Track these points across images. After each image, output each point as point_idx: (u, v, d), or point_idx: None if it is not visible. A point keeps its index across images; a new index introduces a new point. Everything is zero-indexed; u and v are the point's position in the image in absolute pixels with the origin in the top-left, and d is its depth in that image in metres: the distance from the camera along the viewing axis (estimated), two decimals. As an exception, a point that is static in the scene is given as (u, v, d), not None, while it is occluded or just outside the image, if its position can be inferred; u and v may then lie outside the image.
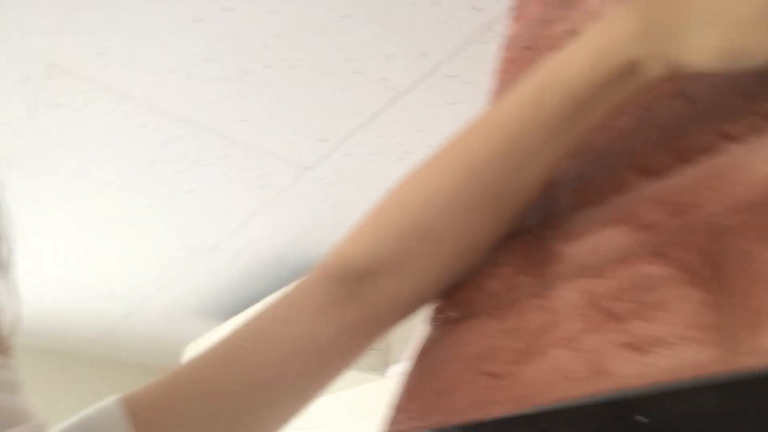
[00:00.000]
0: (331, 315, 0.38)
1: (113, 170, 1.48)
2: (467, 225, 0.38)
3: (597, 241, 0.39)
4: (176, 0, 1.02)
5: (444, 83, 1.18)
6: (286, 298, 0.40)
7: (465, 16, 1.04)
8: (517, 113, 0.35)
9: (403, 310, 0.43)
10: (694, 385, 0.26)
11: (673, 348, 0.28)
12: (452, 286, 0.53)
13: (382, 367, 1.79)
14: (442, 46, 1.09)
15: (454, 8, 1.02)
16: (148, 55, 1.12)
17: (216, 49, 1.11)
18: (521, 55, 0.70)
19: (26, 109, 1.27)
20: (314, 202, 1.61)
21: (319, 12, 1.03)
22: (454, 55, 1.12)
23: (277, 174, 1.49)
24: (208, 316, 2.42)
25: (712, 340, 0.26)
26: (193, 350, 2.40)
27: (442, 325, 0.49)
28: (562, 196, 0.45)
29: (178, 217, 1.70)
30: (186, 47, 1.11)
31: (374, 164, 1.44)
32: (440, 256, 0.40)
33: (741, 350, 0.24)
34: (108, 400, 0.35)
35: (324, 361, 0.39)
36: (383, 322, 0.41)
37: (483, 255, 0.41)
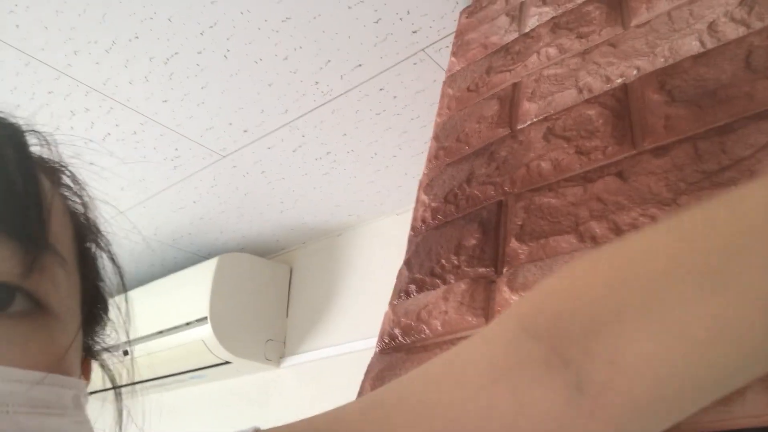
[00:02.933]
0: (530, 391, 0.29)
1: (6, 132, 1.36)
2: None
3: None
4: (111, -29, 0.97)
5: (374, 94, 1.22)
6: (467, 356, 0.32)
7: (403, 37, 1.08)
8: None
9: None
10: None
11: None
12: (402, 313, 0.58)
13: (277, 358, 1.81)
14: (377, 61, 1.13)
15: (395, 28, 1.06)
16: (67, 22, 1.05)
17: (148, 28, 1.07)
18: (464, 96, 0.76)
19: None
20: (224, 189, 1.59)
21: (262, 9, 1.03)
22: (386, 70, 1.16)
23: (190, 157, 1.45)
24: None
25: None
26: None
27: (392, 353, 0.54)
28: (512, 246, 0.52)
29: (72, 187, 1.59)
30: (116, 20, 1.05)
31: (294, 160, 1.45)
32: None
33: None
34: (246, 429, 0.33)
35: None
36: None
37: None
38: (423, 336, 0.54)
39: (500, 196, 0.58)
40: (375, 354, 0.57)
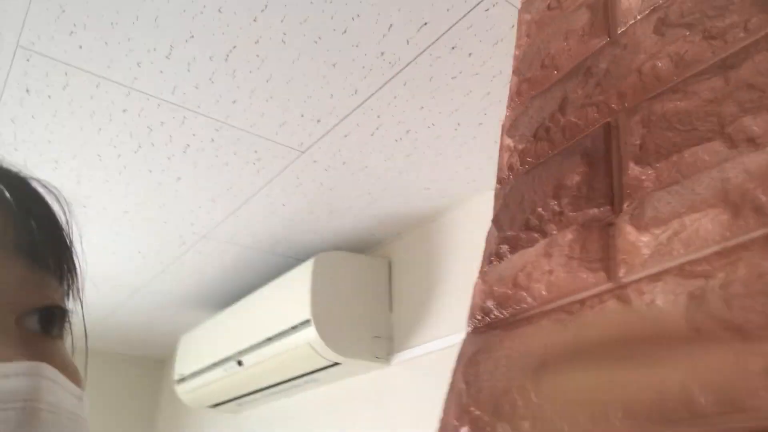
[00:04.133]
0: None
1: (97, 157, 1.40)
2: None
3: (683, 227, 0.33)
4: (156, -30, 0.94)
5: (446, 55, 1.11)
6: None
7: (470, -18, 0.96)
8: None
9: None
10: None
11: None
12: (494, 279, 0.47)
13: (386, 355, 1.73)
14: (443, 15, 1.02)
15: (459, -27, 0.94)
16: (123, 33, 1.04)
17: (200, 24, 1.03)
18: (545, 16, 0.63)
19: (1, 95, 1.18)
20: (310, 187, 1.54)
21: (312, -20, 0.95)
22: (456, 24, 1.04)
23: (270, 158, 1.41)
24: (201, 306, 2.36)
25: None
26: (187, 340, 2.34)
27: (487, 331, 0.43)
28: (632, 172, 0.39)
29: (166, 203, 1.62)
30: (169, 21, 1.02)
31: (373, 145, 1.37)
32: None
33: None
34: None
35: None
36: None
37: None
38: (524, 306, 0.42)
39: (606, 117, 0.45)
40: (467, 335, 0.46)
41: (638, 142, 0.40)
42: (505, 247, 0.47)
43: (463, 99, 1.22)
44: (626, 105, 0.43)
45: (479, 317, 0.46)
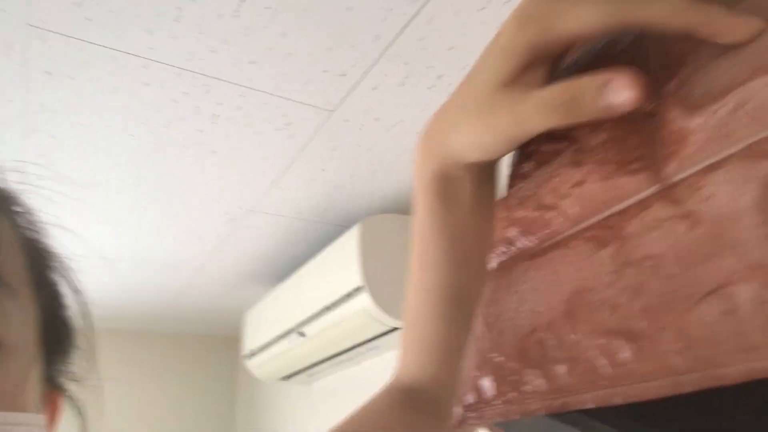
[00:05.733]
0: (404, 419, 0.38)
1: (127, 136, 1.39)
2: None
3: (748, 95, 0.24)
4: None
5: (472, -17, 1.00)
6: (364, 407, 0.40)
7: None
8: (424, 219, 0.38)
9: None
10: None
11: None
12: (515, 204, 0.39)
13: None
14: (464, -64, 0.91)
15: None
16: (131, 1, 1.00)
17: (206, -18, 0.97)
18: None
19: (20, 80, 1.18)
20: (347, 149, 1.48)
21: None
22: (480, -54, 0.93)
23: (300, 121, 1.36)
24: (262, 280, 2.37)
25: None
26: (252, 316, 2.37)
27: (513, 264, 0.35)
28: (677, 42, 0.30)
29: (208, 180, 1.60)
30: (172, -16, 0.97)
31: (405, 97, 1.28)
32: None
33: None
34: None
35: None
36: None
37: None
38: (554, 228, 0.35)
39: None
40: (490, 272, 0.39)
41: None
42: (527, 165, 0.39)
43: (496, 32, 1.11)
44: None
45: (504, 249, 0.38)
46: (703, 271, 0.23)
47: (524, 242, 0.37)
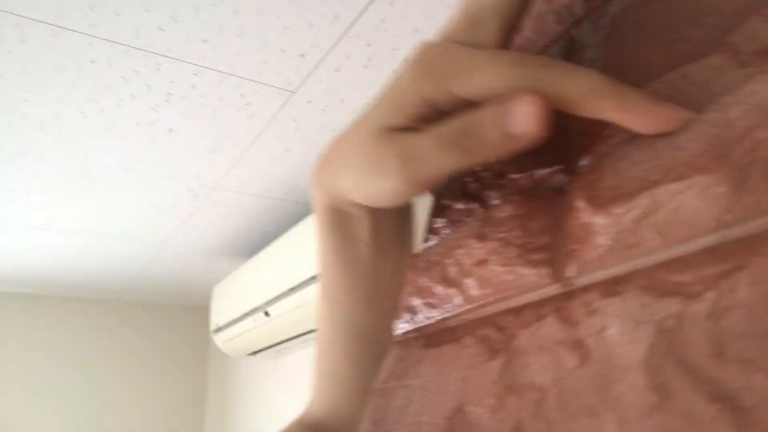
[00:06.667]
0: None
1: (77, 113, 1.31)
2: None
3: (656, 204, 0.20)
4: None
5: (436, -35, 0.93)
6: None
7: None
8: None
9: None
10: None
11: None
12: (423, 268, 0.35)
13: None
14: None
15: None
16: (69, -27, 0.92)
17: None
18: None
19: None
20: (310, 129, 1.42)
21: None
22: (444, -74, 0.86)
23: (260, 101, 1.29)
24: (230, 255, 2.33)
25: None
26: (219, 291, 2.33)
27: (410, 345, 0.31)
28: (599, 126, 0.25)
29: (166, 157, 1.53)
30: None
31: (369, 79, 1.22)
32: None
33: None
34: None
35: None
36: None
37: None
38: (454, 309, 0.31)
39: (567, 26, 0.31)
40: (392, 344, 0.35)
41: (599, 57, 0.26)
42: (439, 222, 0.35)
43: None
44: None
45: (408, 317, 0.34)
46: (581, 429, 0.19)
47: (426, 315, 0.33)
